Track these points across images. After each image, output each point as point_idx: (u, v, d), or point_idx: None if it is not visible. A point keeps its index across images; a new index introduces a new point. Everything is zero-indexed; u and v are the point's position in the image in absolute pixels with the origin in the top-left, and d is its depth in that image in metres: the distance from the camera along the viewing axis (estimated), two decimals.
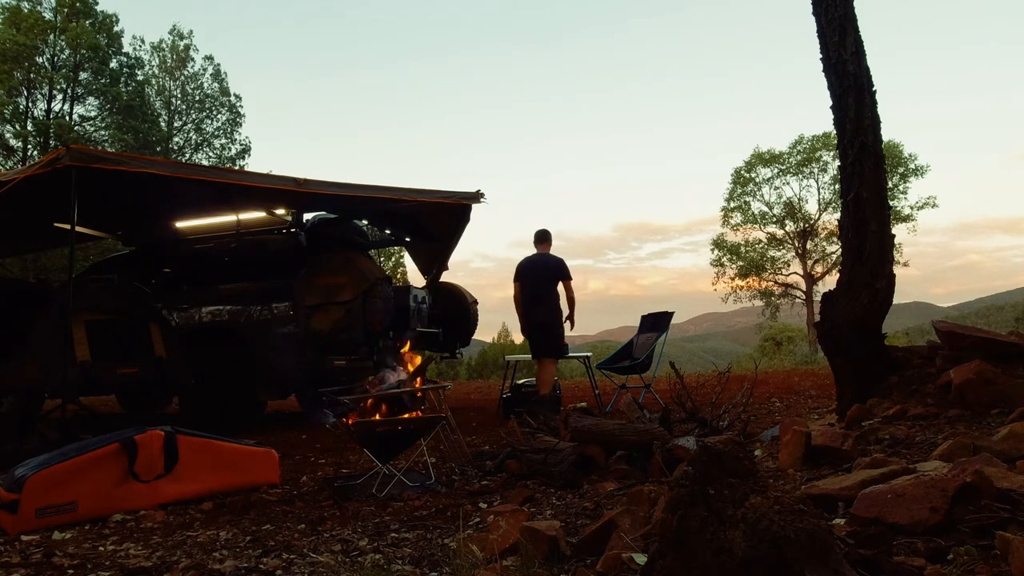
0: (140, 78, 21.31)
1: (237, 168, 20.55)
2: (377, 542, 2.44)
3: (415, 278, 8.86)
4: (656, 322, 6.59)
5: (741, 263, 30.35)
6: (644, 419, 3.84)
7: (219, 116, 23.08)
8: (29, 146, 18.47)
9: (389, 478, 3.36)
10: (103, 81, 19.55)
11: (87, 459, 2.95)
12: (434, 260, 7.78)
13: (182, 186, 5.43)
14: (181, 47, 22.75)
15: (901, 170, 27.42)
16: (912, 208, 27.93)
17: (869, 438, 2.83)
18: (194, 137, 22.78)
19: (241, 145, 23.20)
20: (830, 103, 3.78)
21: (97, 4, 19.75)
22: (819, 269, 29.37)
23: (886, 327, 3.71)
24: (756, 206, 30.71)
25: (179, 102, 22.84)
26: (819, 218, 29.51)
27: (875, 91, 3.67)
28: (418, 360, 4.04)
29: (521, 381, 6.80)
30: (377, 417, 3.65)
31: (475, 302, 7.90)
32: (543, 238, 6.30)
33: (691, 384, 4.81)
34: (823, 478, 2.27)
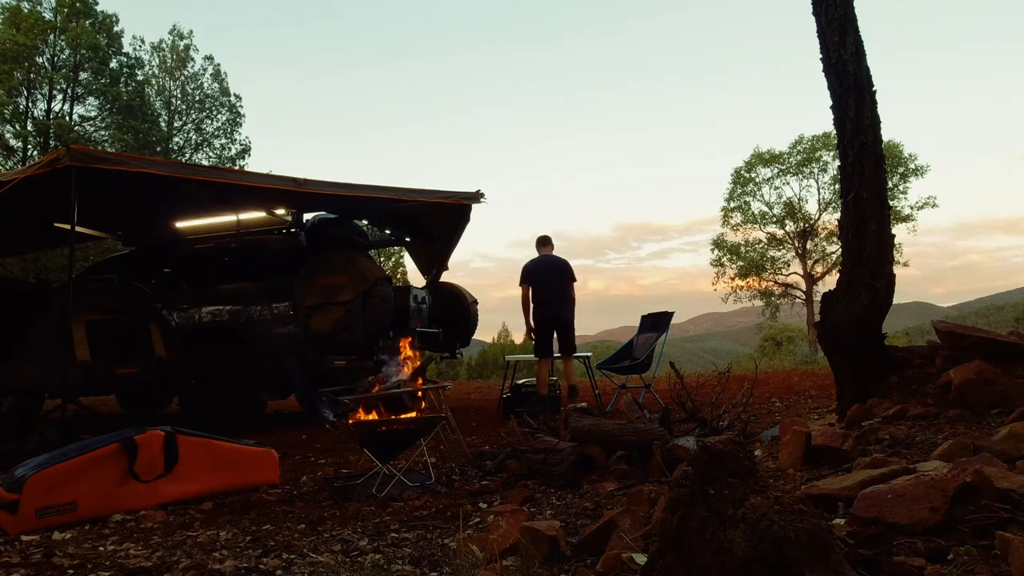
0: (140, 78, 21.29)
1: (237, 168, 20.52)
2: (377, 542, 2.44)
3: (415, 278, 8.87)
4: (656, 322, 6.60)
5: (741, 263, 30.32)
6: (644, 419, 3.84)
7: (219, 116, 23.06)
8: (29, 146, 18.45)
9: (389, 478, 3.36)
10: (103, 81, 19.53)
11: (87, 459, 2.95)
12: (434, 260, 7.79)
13: (182, 186, 5.44)
14: (181, 47, 22.74)
15: (901, 170, 27.40)
16: (912, 208, 27.95)
17: (869, 438, 2.83)
18: (194, 137, 22.77)
19: (241, 145, 23.19)
20: (830, 103, 3.79)
21: (97, 4, 19.73)
22: (819, 269, 29.36)
23: (886, 327, 3.71)
24: (756, 206, 30.72)
25: (179, 102, 22.83)
26: (819, 218, 29.50)
27: (875, 91, 3.68)
28: (418, 360, 4.04)
29: (521, 381, 6.80)
30: (376, 417, 3.65)
31: (475, 302, 7.90)
32: (547, 241, 6.55)
33: (691, 384, 4.81)
34: (823, 478, 2.27)
